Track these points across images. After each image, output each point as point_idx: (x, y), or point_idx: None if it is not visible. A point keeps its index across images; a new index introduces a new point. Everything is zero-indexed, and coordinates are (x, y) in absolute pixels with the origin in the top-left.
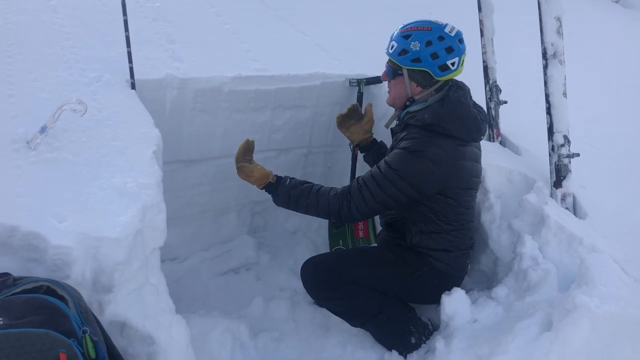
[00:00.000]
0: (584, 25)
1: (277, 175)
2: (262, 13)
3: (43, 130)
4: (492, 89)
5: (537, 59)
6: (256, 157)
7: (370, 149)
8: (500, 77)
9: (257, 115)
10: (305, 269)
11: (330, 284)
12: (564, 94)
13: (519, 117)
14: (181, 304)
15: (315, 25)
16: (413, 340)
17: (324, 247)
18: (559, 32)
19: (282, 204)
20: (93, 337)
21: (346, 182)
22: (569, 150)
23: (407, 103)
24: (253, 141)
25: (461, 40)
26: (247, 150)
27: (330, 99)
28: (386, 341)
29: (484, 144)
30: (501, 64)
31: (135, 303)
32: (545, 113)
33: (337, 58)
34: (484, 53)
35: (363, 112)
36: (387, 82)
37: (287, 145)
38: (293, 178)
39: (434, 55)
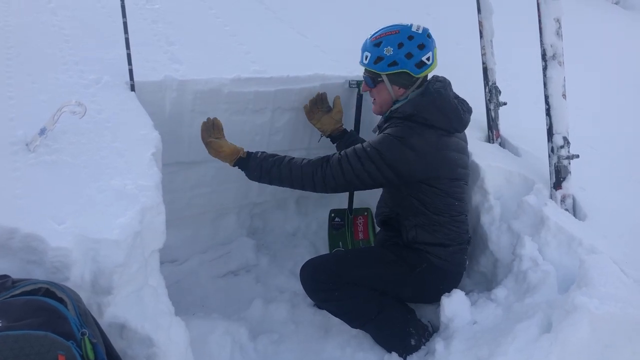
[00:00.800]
0: (584, 26)
1: (248, 151)
2: (262, 15)
3: (42, 132)
4: (492, 91)
5: (537, 60)
6: None
7: (341, 138)
8: (500, 79)
9: (256, 117)
10: (304, 271)
11: (330, 285)
12: (564, 96)
13: (519, 119)
14: (180, 306)
15: (314, 27)
16: (413, 342)
17: (323, 249)
18: (559, 34)
19: (255, 177)
20: (92, 339)
21: None
22: (568, 152)
23: (393, 107)
24: (219, 120)
25: (429, 36)
26: (216, 128)
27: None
28: (386, 343)
29: (482, 145)
30: (501, 66)
31: (134, 305)
32: (544, 114)
33: (336, 60)
34: (483, 54)
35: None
36: (369, 93)
37: (286, 147)
38: (264, 152)
39: (409, 55)
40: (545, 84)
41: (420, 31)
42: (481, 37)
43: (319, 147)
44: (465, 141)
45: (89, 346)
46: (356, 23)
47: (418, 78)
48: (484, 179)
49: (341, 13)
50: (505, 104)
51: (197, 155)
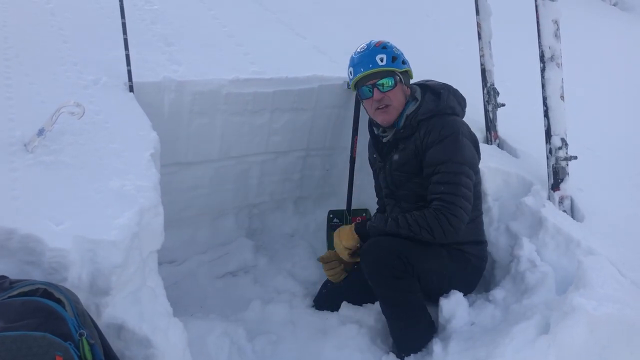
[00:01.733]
0: (582, 28)
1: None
2: (260, 16)
3: (40, 133)
4: (490, 92)
5: (535, 61)
6: (254, 159)
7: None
8: (498, 80)
9: (255, 118)
10: (371, 254)
11: (399, 271)
12: (562, 97)
13: (517, 120)
14: (178, 306)
15: (313, 28)
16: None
17: (321, 250)
18: (557, 35)
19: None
20: (90, 340)
21: (344, 184)
22: (566, 153)
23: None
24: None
25: None
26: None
27: (328, 101)
28: (403, 339)
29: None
30: (499, 67)
31: (132, 306)
32: (542, 116)
33: (335, 61)
34: (481, 56)
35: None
36: (380, 100)
37: (285, 148)
38: (372, 222)
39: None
40: (543, 86)
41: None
42: (479, 38)
43: (319, 148)
44: None
45: (86, 347)
46: (355, 25)
47: (411, 78)
48: (482, 180)
49: (340, 15)
50: (503, 105)
51: (196, 155)
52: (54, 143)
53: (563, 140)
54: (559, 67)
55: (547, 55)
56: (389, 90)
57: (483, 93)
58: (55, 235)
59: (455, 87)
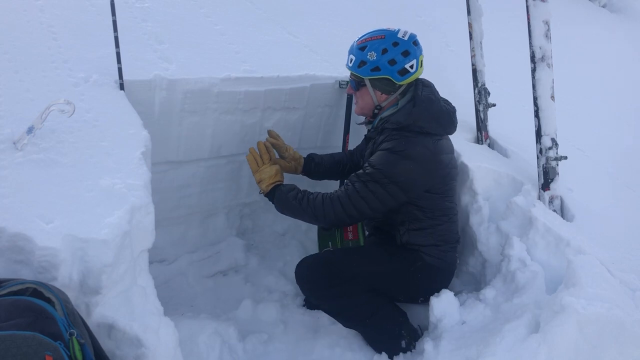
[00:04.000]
0: (572, 29)
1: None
2: (252, 14)
3: (30, 130)
4: (481, 92)
5: (526, 62)
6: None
7: (310, 167)
8: (489, 80)
9: (246, 117)
10: (300, 269)
11: (326, 283)
12: (552, 97)
13: (508, 120)
14: (169, 306)
15: (305, 27)
16: (404, 345)
17: (313, 249)
18: (547, 36)
19: (279, 210)
20: (80, 340)
21: (335, 183)
22: (556, 153)
23: (376, 111)
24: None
25: (416, 43)
26: (263, 153)
27: (320, 100)
28: (377, 344)
29: (471, 146)
30: (490, 67)
31: (123, 305)
32: (533, 116)
33: (327, 60)
34: (472, 56)
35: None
36: (353, 94)
37: None
38: (294, 186)
39: (392, 62)
40: (534, 86)
41: (406, 38)
42: (471, 39)
43: (312, 148)
44: (450, 139)
45: (77, 347)
46: (346, 24)
47: (401, 85)
48: (473, 179)
49: (332, 14)
50: (494, 105)
51: (187, 154)
52: (44, 141)
53: (553, 140)
54: (549, 67)
55: (538, 55)
56: (356, 90)
57: (474, 93)
58: (45, 233)
59: (445, 87)
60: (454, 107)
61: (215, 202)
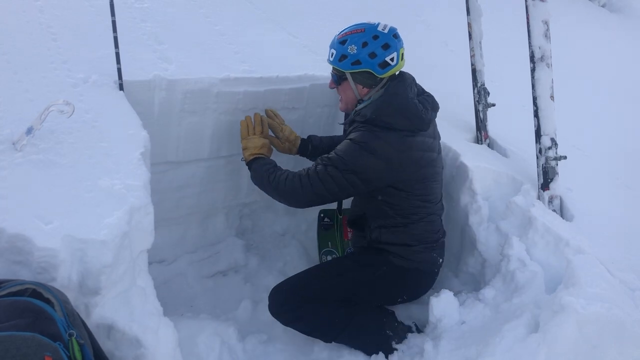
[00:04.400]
0: (571, 29)
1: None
2: (251, 15)
3: (29, 131)
4: (481, 92)
5: (525, 62)
6: None
7: (307, 150)
8: (489, 80)
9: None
10: (269, 297)
11: (291, 305)
12: (552, 97)
13: (507, 120)
14: (169, 306)
15: (304, 27)
16: (394, 345)
17: (312, 249)
18: (547, 36)
19: (254, 181)
20: (79, 341)
21: None
22: (556, 153)
23: (357, 104)
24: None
25: (396, 36)
26: (257, 124)
27: (319, 100)
28: (364, 349)
29: (471, 146)
30: (489, 67)
31: (122, 306)
32: (532, 116)
33: (326, 60)
34: (472, 56)
35: None
36: (336, 89)
37: None
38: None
39: (372, 55)
40: (533, 86)
41: (386, 31)
42: (470, 38)
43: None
44: (433, 136)
45: (76, 347)
46: (346, 24)
47: (382, 78)
48: (472, 179)
49: (331, 14)
50: (493, 105)
51: (186, 154)
52: (43, 142)
53: (553, 140)
54: (548, 67)
55: (537, 55)
56: (338, 85)
57: (473, 93)
58: (44, 234)
59: (445, 86)
60: (434, 104)
61: (214, 202)
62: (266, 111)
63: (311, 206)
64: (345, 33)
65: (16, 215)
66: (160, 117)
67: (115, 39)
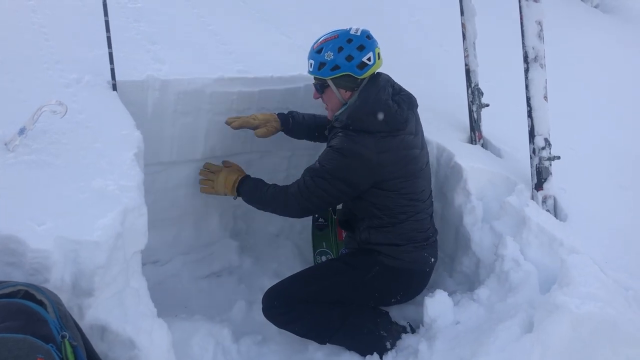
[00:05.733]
0: (565, 29)
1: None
2: (245, 15)
3: (22, 131)
4: (474, 92)
5: (519, 62)
6: (240, 159)
7: (289, 124)
8: (482, 80)
9: None
10: (263, 300)
11: (285, 308)
12: (545, 98)
13: (501, 120)
14: (162, 307)
15: (298, 28)
16: (389, 345)
17: (307, 250)
18: (540, 36)
19: (247, 201)
20: (72, 342)
21: None
22: (549, 153)
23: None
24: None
25: (369, 37)
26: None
27: (313, 101)
28: (359, 350)
29: (465, 146)
30: (483, 67)
31: (115, 307)
32: (526, 116)
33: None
34: (466, 57)
35: None
36: (321, 99)
37: (270, 148)
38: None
39: (349, 58)
40: (527, 86)
41: (358, 33)
42: (464, 39)
43: (305, 148)
44: (415, 133)
45: (69, 349)
46: (340, 25)
47: (363, 79)
48: (466, 180)
49: (325, 14)
50: (487, 105)
51: (180, 155)
52: (36, 142)
53: (546, 140)
54: (542, 67)
55: (531, 55)
56: (322, 94)
57: (467, 93)
58: (37, 235)
59: (438, 87)
60: (411, 102)
61: (208, 203)
62: (228, 123)
63: (307, 216)
64: (320, 42)
65: (9, 216)
66: (154, 117)
67: (109, 39)
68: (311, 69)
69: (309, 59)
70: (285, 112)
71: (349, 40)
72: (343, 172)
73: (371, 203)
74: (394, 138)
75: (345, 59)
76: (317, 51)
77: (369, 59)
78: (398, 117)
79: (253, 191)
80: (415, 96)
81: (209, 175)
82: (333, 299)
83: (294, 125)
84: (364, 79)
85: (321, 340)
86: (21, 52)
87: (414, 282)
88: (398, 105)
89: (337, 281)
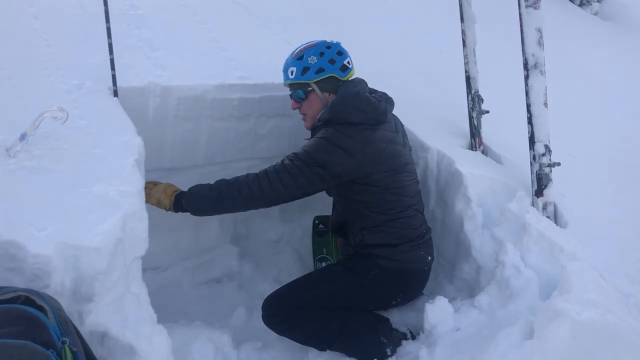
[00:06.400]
0: (565, 36)
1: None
2: (246, 21)
3: (23, 137)
4: (474, 99)
5: (519, 69)
6: (240, 165)
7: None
8: (482, 87)
9: (240, 124)
10: (263, 306)
11: (283, 316)
12: (545, 104)
13: (501, 127)
14: (163, 313)
15: (298, 34)
16: (389, 352)
17: (307, 256)
18: (540, 43)
19: (197, 209)
20: (72, 348)
21: None
22: (549, 160)
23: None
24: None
25: (341, 46)
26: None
27: None
28: (360, 357)
29: (465, 153)
30: (483, 74)
31: (116, 313)
32: (526, 123)
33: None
34: (466, 63)
35: None
36: (298, 109)
37: (271, 154)
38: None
39: (332, 61)
40: (527, 93)
41: (335, 42)
42: (464, 45)
43: None
44: (396, 131)
45: (69, 355)
46: (339, 31)
47: (344, 81)
48: (466, 186)
49: (325, 21)
50: (487, 112)
51: (181, 161)
52: (37, 148)
53: (546, 146)
54: (542, 74)
55: (531, 62)
56: (303, 101)
57: (467, 100)
58: (38, 241)
59: (438, 94)
60: (388, 99)
61: None
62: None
63: (278, 204)
64: (299, 50)
65: (9, 221)
66: (155, 123)
67: (110, 45)
68: (292, 76)
69: (287, 67)
70: (285, 117)
71: (328, 47)
72: (324, 156)
73: (360, 202)
74: (375, 131)
75: (328, 62)
76: (298, 58)
77: (348, 62)
78: (378, 108)
79: (204, 190)
80: (415, 103)
81: (149, 185)
82: (333, 304)
83: None
84: (345, 81)
85: (321, 347)
86: (22, 58)
87: (412, 282)
88: (376, 99)
89: (335, 286)
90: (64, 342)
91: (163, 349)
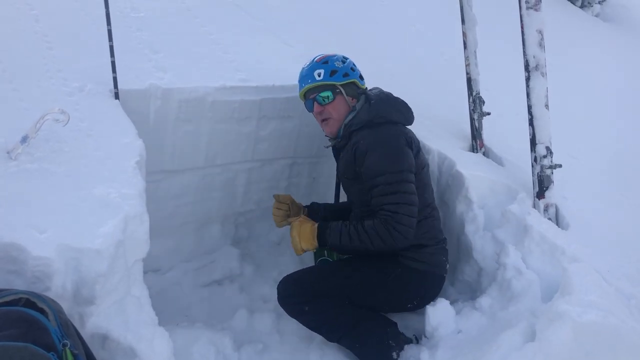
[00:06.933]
0: (566, 38)
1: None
2: (247, 23)
3: (24, 140)
4: (476, 101)
5: (520, 71)
6: (240, 167)
7: (318, 213)
8: (483, 89)
9: (241, 126)
10: (280, 286)
11: (301, 298)
12: (546, 106)
13: (502, 129)
14: (164, 315)
15: (299, 36)
16: (395, 356)
17: (308, 259)
18: (541, 45)
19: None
20: (73, 351)
21: (331, 193)
22: (551, 161)
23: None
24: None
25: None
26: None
27: None
28: (366, 356)
29: (466, 154)
30: (484, 76)
31: (117, 315)
32: (527, 124)
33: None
34: (467, 65)
35: None
36: (321, 113)
37: (272, 156)
38: (328, 223)
39: (353, 68)
40: (528, 95)
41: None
42: (465, 47)
43: (306, 156)
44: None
45: (70, 357)
46: (340, 33)
47: (361, 89)
48: (468, 188)
49: (326, 23)
50: (489, 114)
51: (182, 163)
52: (38, 150)
53: (548, 148)
54: (543, 76)
55: (532, 64)
56: (328, 104)
57: (469, 102)
58: (39, 243)
59: (440, 96)
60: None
61: (210, 211)
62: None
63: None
64: (321, 57)
65: (10, 224)
66: (156, 125)
67: (111, 47)
68: (320, 78)
69: (313, 70)
70: (286, 119)
71: (345, 59)
72: (403, 160)
73: None
74: (406, 129)
75: (350, 68)
76: (324, 62)
77: (362, 74)
78: (410, 110)
79: (344, 240)
80: (416, 105)
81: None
82: (351, 296)
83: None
84: (362, 89)
85: (331, 337)
86: (24, 61)
87: (434, 285)
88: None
89: (357, 279)
90: (64, 345)
91: (164, 351)
